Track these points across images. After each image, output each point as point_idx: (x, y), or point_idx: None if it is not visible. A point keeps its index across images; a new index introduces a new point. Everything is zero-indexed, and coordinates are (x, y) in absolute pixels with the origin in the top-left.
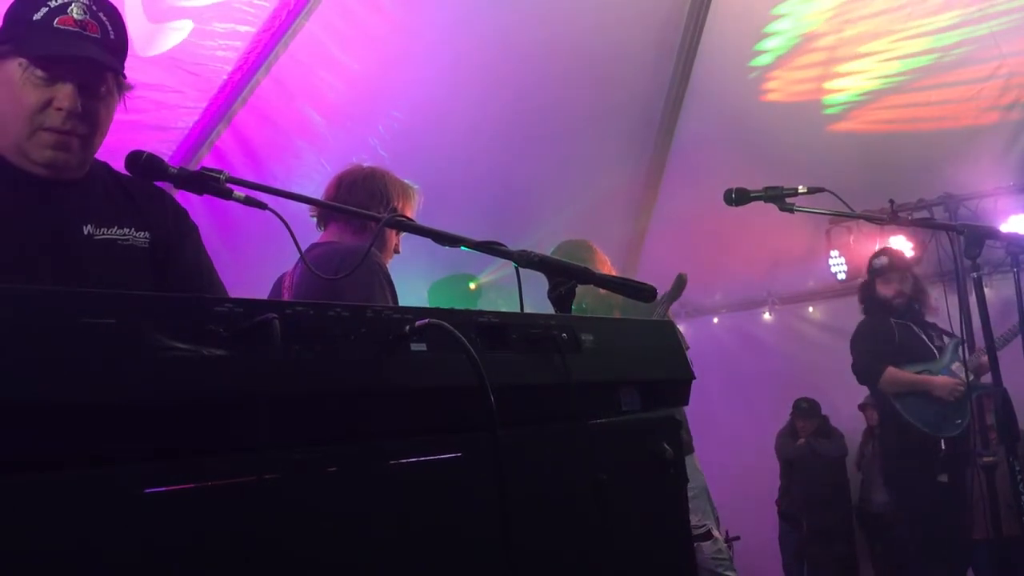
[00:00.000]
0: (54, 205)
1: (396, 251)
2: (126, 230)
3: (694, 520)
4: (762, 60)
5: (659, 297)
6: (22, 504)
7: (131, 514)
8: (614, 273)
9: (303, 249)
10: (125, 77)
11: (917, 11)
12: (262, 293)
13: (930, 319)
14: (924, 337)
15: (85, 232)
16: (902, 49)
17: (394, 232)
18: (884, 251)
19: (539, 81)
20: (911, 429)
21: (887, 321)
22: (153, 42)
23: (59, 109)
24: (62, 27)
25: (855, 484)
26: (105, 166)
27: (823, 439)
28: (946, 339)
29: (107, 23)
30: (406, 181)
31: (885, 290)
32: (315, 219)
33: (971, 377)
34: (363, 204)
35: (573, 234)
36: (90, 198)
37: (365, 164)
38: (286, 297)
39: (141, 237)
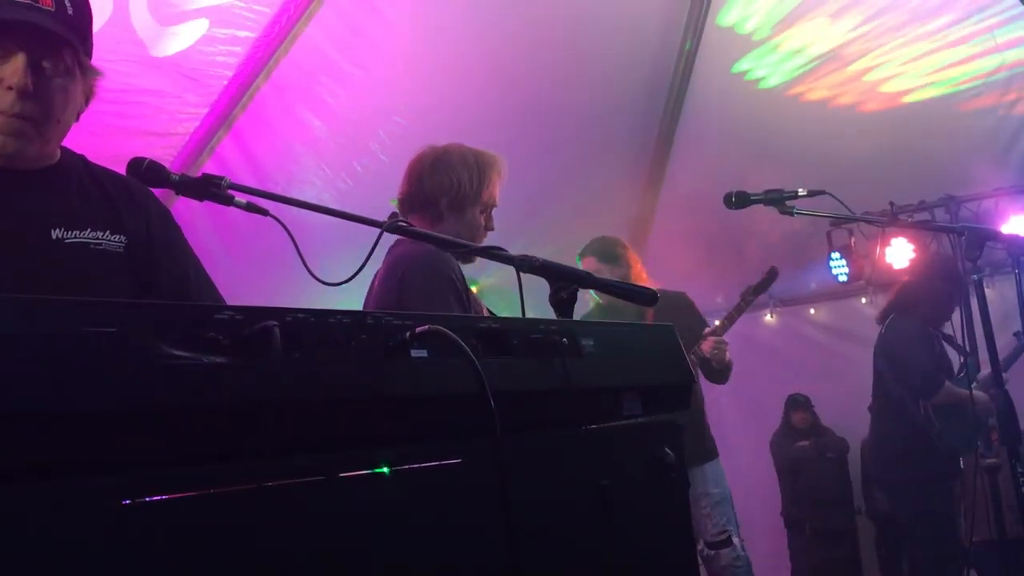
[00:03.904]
0: (18, 202)
1: (489, 228)
2: (99, 233)
3: (719, 525)
4: (765, 61)
5: (746, 288)
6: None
7: (131, 522)
8: (644, 274)
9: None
10: (90, 57)
11: (915, 15)
12: (264, 300)
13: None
14: (947, 349)
15: (54, 236)
16: (902, 51)
17: (477, 211)
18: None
19: (541, 83)
20: (921, 437)
21: (927, 328)
22: (161, 44)
23: (8, 88)
24: None
25: (856, 485)
26: (82, 159)
27: (825, 437)
28: (956, 353)
29: None
30: (484, 152)
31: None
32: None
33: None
34: (433, 194)
35: (574, 236)
36: (60, 196)
37: (439, 144)
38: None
39: (115, 241)
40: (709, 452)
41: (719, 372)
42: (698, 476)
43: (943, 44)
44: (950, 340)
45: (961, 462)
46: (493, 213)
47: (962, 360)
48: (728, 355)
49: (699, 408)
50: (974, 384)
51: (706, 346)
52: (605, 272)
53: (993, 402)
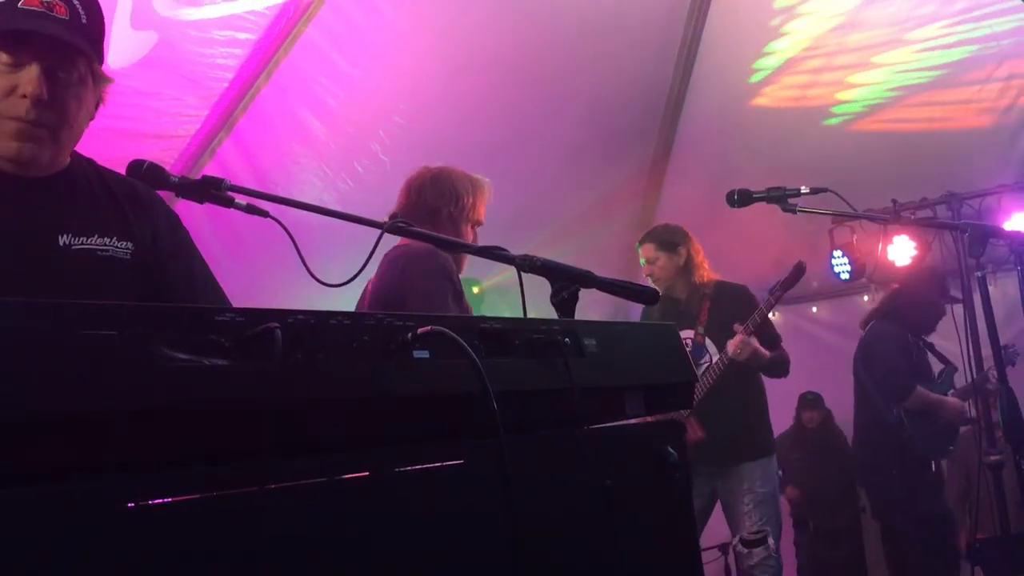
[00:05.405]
0: (27, 208)
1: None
2: (106, 239)
3: (757, 524)
4: (765, 60)
5: (774, 284)
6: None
7: (135, 525)
8: (706, 264)
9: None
10: (101, 64)
11: (917, 15)
12: (265, 301)
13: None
14: (929, 357)
15: (61, 243)
16: (901, 50)
17: (469, 227)
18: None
19: (540, 81)
20: (893, 440)
21: (906, 335)
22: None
23: (24, 96)
24: (26, 7)
25: None
26: (91, 163)
27: (831, 436)
28: (942, 364)
29: (78, 7)
30: (474, 175)
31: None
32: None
33: (979, 405)
34: (435, 205)
35: (577, 234)
36: (68, 201)
37: (433, 165)
38: (366, 303)
39: (123, 248)
40: (761, 449)
41: (768, 368)
42: (746, 472)
43: (942, 34)
44: (932, 349)
45: (934, 466)
46: (479, 230)
47: (942, 368)
48: (762, 351)
49: (753, 404)
50: (951, 392)
51: (731, 345)
52: (663, 260)
53: (999, 399)
